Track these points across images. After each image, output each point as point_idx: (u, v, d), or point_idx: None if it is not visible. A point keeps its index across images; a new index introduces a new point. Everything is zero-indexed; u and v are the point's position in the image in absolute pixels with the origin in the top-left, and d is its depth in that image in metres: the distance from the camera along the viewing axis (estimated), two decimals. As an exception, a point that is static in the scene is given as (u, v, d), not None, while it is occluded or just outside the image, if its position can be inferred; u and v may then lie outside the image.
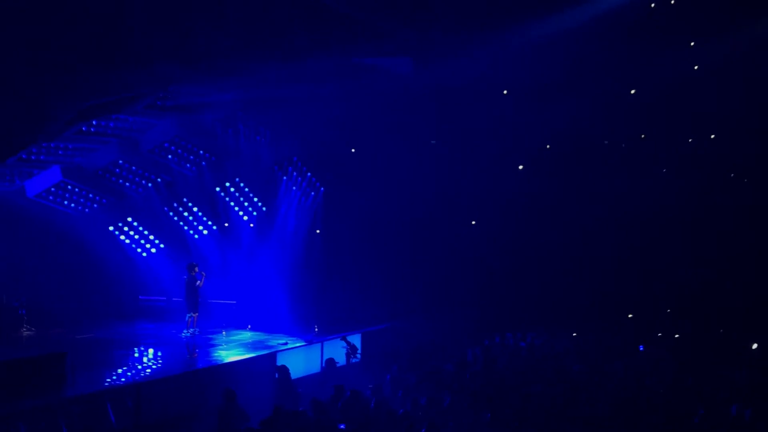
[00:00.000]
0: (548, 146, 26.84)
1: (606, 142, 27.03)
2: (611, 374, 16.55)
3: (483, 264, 27.41)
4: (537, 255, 26.98)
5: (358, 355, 20.62)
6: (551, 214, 26.81)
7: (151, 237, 25.89)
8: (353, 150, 26.43)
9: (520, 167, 27.30)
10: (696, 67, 24.49)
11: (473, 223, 27.95)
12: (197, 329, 21.64)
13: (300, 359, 19.61)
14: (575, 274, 26.37)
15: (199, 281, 21.71)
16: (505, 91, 25.28)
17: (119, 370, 17.98)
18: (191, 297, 21.65)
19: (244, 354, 19.13)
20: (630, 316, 25.71)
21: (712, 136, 26.12)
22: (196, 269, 21.81)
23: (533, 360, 18.42)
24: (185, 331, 21.53)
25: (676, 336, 22.19)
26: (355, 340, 21.24)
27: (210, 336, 21.75)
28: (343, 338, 20.46)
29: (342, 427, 12.49)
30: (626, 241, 26.14)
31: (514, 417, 12.88)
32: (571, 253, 26.68)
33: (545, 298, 25.80)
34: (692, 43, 24.30)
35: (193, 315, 21.61)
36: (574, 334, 22.42)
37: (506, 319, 24.07)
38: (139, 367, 18.74)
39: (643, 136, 26.72)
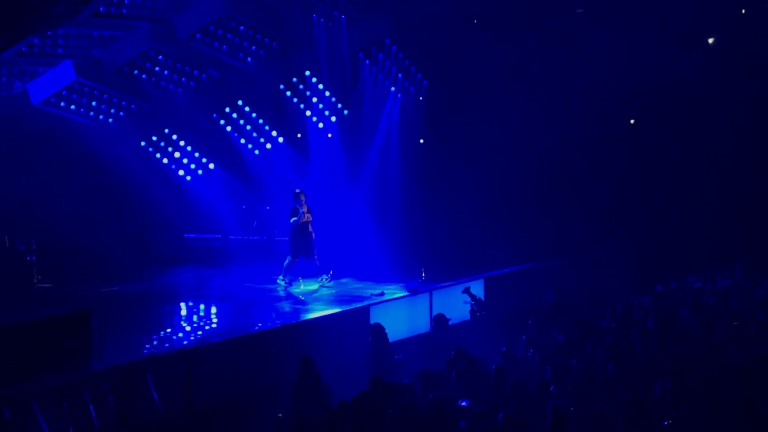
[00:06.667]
0: None
1: None
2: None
3: (650, 182, 27.46)
4: (729, 168, 26.81)
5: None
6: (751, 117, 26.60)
7: (197, 154, 26.16)
8: (474, 21, 26.21)
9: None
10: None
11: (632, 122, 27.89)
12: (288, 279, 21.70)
13: (401, 316, 19.75)
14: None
15: (297, 218, 21.12)
16: None
17: (162, 333, 18.26)
18: (294, 236, 21.37)
19: (324, 309, 19.28)
20: None
21: None
22: (303, 197, 21.25)
23: (727, 311, 18.02)
24: (281, 278, 21.64)
25: None
26: (477, 287, 21.28)
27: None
28: (466, 290, 20.55)
29: (464, 404, 12.41)
30: None
31: (702, 390, 12.60)
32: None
33: (739, 228, 25.62)
34: None
35: (292, 260, 21.51)
36: None
37: (684, 260, 23.93)
38: (189, 328, 19.02)
39: None
